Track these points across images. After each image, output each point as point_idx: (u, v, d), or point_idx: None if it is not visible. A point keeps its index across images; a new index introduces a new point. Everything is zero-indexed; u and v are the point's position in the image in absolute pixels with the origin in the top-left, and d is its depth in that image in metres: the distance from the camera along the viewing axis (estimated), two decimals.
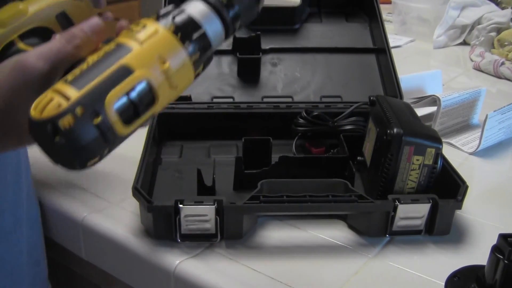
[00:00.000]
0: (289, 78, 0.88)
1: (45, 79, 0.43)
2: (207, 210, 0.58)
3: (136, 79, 0.41)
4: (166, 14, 0.45)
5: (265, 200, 0.59)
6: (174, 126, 0.80)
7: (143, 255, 0.59)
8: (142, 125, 0.43)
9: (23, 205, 0.67)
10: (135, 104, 0.41)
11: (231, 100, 0.85)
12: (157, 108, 0.43)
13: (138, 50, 0.42)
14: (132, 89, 0.40)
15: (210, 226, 0.59)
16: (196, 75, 0.46)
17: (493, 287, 0.49)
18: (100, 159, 0.42)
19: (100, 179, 0.72)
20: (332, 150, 0.76)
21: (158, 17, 0.44)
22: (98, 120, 0.39)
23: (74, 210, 0.67)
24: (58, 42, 0.44)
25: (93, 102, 0.39)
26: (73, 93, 0.39)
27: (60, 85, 0.40)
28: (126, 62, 0.41)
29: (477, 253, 0.59)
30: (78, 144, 0.39)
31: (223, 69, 0.88)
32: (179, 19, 0.44)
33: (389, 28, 1.25)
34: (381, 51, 0.90)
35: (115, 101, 0.40)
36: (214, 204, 0.57)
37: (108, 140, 0.40)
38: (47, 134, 0.39)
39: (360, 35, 0.94)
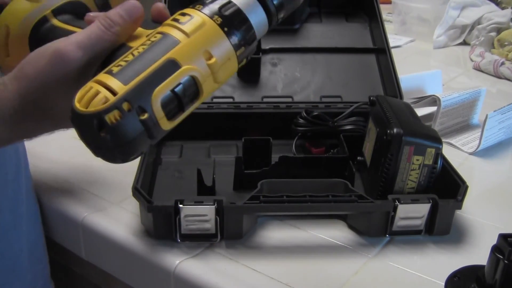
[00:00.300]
0: (289, 78, 0.88)
1: (84, 68, 0.43)
2: (207, 210, 0.58)
3: (183, 73, 0.40)
4: (211, 3, 0.43)
5: (265, 200, 0.59)
6: (174, 126, 0.80)
7: (143, 255, 0.59)
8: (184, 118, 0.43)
9: (23, 203, 0.67)
10: (180, 99, 0.40)
11: (231, 100, 0.85)
12: (201, 100, 0.42)
13: (185, 43, 0.41)
14: (178, 84, 0.40)
15: (210, 226, 0.59)
16: (240, 67, 0.45)
17: (493, 287, 0.49)
18: (141, 154, 0.41)
19: (100, 179, 0.72)
20: (332, 150, 0.76)
21: (203, 6, 0.43)
22: (144, 116, 0.38)
23: (74, 210, 0.67)
24: (97, 29, 0.43)
25: (140, 98, 0.38)
26: (120, 87, 0.38)
27: (105, 77, 0.39)
28: (173, 56, 0.40)
29: (477, 253, 0.59)
30: (123, 140, 0.38)
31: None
32: (226, 10, 0.43)
33: (389, 28, 1.25)
34: (381, 51, 0.90)
35: (161, 96, 0.39)
36: (214, 204, 0.57)
37: (153, 135, 0.39)
38: (93, 128, 0.38)
39: (360, 35, 0.94)
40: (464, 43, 1.39)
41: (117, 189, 0.70)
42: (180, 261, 0.57)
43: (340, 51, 0.92)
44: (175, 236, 0.59)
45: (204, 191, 0.65)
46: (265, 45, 0.89)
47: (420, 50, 1.36)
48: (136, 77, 0.39)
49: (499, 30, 1.32)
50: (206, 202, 0.58)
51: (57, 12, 0.51)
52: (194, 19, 0.42)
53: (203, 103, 0.82)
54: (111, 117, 0.38)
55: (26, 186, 0.68)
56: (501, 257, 0.47)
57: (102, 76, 0.39)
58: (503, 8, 1.41)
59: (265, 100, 0.85)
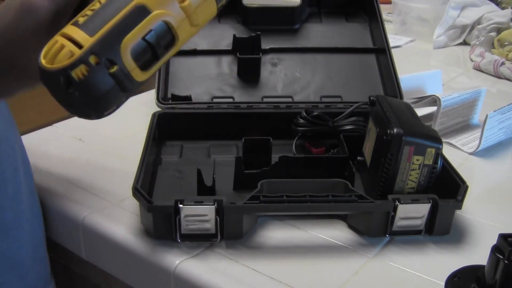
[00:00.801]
0: (289, 78, 0.88)
1: (53, 19, 0.41)
2: (207, 210, 0.58)
3: (154, 19, 0.37)
4: None
5: (265, 200, 0.59)
6: (174, 126, 0.80)
7: (143, 255, 0.59)
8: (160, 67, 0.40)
9: (23, 201, 0.67)
10: (153, 48, 0.38)
11: (231, 100, 0.85)
12: (178, 46, 0.39)
13: None
14: (150, 31, 0.37)
15: (210, 226, 0.59)
16: (219, 8, 0.42)
17: (493, 287, 0.49)
18: (118, 107, 0.39)
19: (100, 179, 0.72)
20: (332, 150, 0.76)
21: None
22: (114, 69, 0.36)
23: (74, 210, 0.67)
24: None
25: (108, 50, 0.36)
26: (86, 40, 0.36)
27: (71, 29, 0.37)
28: (142, 1, 0.37)
29: (477, 253, 0.59)
30: (93, 96, 0.36)
31: (223, 69, 0.88)
32: None
33: (389, 28, 1.25)
34: (381, 51, 0.90)
35: (131, 46, 0.37)
36: (214, 204, 0.57)
37: (126, 88, 0.37)
38: (60, 85, 0.36)
39: (360, 35, 0.94)
40: (464, 43, 1.39)
41: (117, 189, 0.70)
42: (180, 261, 0.57)
43: (340, 51, 0.92)
44: (175, 236, 0.59)
45: (204, 191, 0.65)
46: (265, 45, 0.89)
47: (420, 50, 1.36)
48: (102, 27, 0.36)
49: (499, 30, 1.32)
50: (206, 202, 0.58)
51: None
52: None
53: (203, 103, 0.83)
54: (78, 72, 0.36)
55: (26, 184, 0.68)
56: (501, 257, 0.47)
57: (68, 28, 0.37)
58: (503, 8, 1.41)
59: (265, 100, 0.85)
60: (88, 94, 0.36)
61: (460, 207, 0.61)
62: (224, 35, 0.91)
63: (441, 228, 0.62)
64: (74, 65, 0.36)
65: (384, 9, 0.98)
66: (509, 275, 0.47)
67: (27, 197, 0.68)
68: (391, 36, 1.01)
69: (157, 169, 0.73)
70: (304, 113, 0.78)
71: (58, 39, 0.37)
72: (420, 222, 0.61)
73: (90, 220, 0.65)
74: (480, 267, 0.51)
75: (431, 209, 0.60)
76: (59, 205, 0.69)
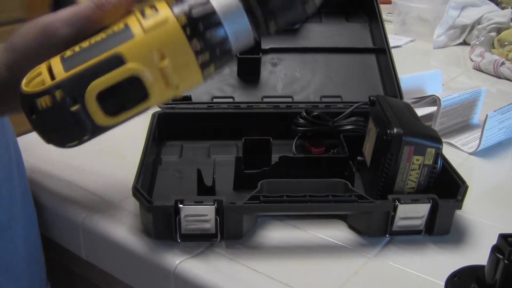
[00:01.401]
0: (289, 78, 0.88)
1: (71, 43, 0.42)
2: (207, 210, 0.58)
3: (127, 72, 0.38)
4: (185, 1, 0.39)
5: (265, 200, 0.59)
6: (174, 126, 0.80)
7: (143, 255, 0.59)
8: (134, 117, 0.41)
9: (18, 203, 0.67)
10: (121, 98, 0.38)
11: (231, 100, 0.85)
12: (151, 103, 0.40)
13: (139, 39, 0.38)
14: (121, 81, 0.38)
15: (210, 226, 0.59)
16: (207, 76, 0.41)
17: (493, 287, 0.49)
18: (80, 143, 0.40)
19: (100, 179, 0.72)
20: (332, 150, 0.76)
21: (176, 1, 0.40)
22: (75, 107, 0.37)
23: (74, 210, 0.67)
24: (87, 8, 0.42)
25: (74, 89, 0.37)
26: (59, 73, 0.38)
27: (55, 60, 0.39)
28: (120, 51, 0.38)
29: (477, 253, 0.59)
30: (51, 127, 0.38)
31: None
32: (195, 10, 0.39)
33: (389, 28, 1.25)
34: (381, 51, 0.90)
35: (98, 91, 0.37)
36: (214, 204, 0.57)
37: (85, 128, 0.38)
38: (26, 109, 0.38)
39: (360, 35, 0.94)
40: (464, 43, 1.39)
41: (117, 189, 0.70)
42: (180, 261, 0.57)
43: (340, 51, 0.91)
44: (175, 236, 0.59)
45: (204, 191, 0.65)
46: (265, 45, 0.89)
47: (420, 50, 1.36)
48: (78, 66, 0.38)
49: (499, 30, 1.32)
50: (206, 202, 0.58)
51: None
52: (159, 14, 0.39)
53: (203, 103, 0.83)
54: (42, 102, 0.37)
55: (21, 187, 0.68)
56: (501, 257, 0.47)
57: (54, 59, 0.39)
58: (503, 8, 1.41)
59: (265, 100, 0.85)
60: (47, 124, 0.38)
61: (460, 207, 0.61)
62: None
63: (441, 228, 0.62)
64: (40, 94, 0.37)
65: (384, 9, 0.98)
66: (509, 275, 0.47)
67: (21, 199, 0.68)
68: (391, 36, 1.01)
69: (157, 169, 0.73)
70: (304, 113, 0.78)
71: (41, 66, 0.39)
72: (420, 222, 0.61)
73: (90, 220, 0.65)
74: (480, 267, 0.51)
75: (431, 209, 0.60)
76: (59, 205, 0.68)
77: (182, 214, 0.57)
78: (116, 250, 0.62)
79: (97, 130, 0.40)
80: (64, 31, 0.42)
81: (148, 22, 0.39)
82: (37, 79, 0.38)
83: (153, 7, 0.40)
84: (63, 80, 0.38)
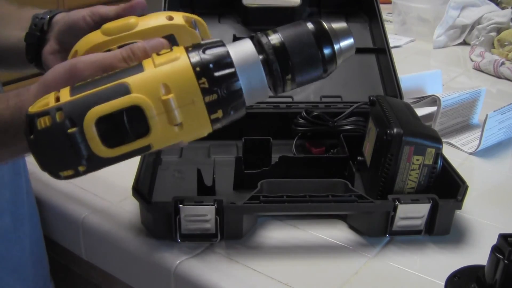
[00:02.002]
0: None
1: None
2: (207, 210, 0.58)
3: (129, 100, 0.37)
4: (202, 45, 0.39)
5: (265, 200, 0.59)
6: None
7: (143, 255, 0.59)
8: (135, 156, 0.40)
9: (24, 204, 0.67)
10: (120, 128, 0.38)
11: None
12: (152, 140, 0.38)
13: (147, 72, 0.38)
14: (122, 110, 0.37)
15: (210, 226, 0.59)
16: (215, 122, 0.40)
17: (493, 287, 0.49)
18: (76, 174, 0.40)
19: (100, 179, 0.72)
20: (332, 150, 0.76)
21: (193, 47, 0.39)
22: (72, 130, 0.37)
23: (74, 210, 0.67)
24: (114, 57, 0.43)
25: (74, 111, 0.37)
26: (65, 97, 0.38)
27: (65, 89, 0.39)
28: (127, 81, 0.38)
29: (477, 253, 0.59)
30: (47, 149, 0.37)
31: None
32: (209, 52, 0.38)
33: (389, 28, 1.25)
34: (381, 51, 0.90)
35: (98, 116, 0.37)
36: (214, 204, 0.57)
37: (81, 155, 0.38)
38: (27, 129, 0.38)
39: (360, 35, 0.94)
40: (464, 43, 1.39)
41: (117, 189, 0.70)
42: (180, 261, 0.57)
43: None
44: (175, 236, 0.59)
45: (204, 191, 0.65)
46: None
47: (420, 50, 1.36)
48: (83, 93, 0.38)
49: (499, 30, 1.32)
50: (206, 202, 0.58)
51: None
52: (172, 53, 0.39)
53: None
54: (42, 121, 0.37)
55: (26, 188, 0.69)
56: (501, 257, 0.47)
57: (65, 88, 0.40)
58: (503, 8, 1.41)
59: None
60: (43, 145, 0.38)
61: (460, 207, 0.61)
62: (224, 35, 0.90)
63: (441, 228, 0.62)
64: (41, 114, 0.37)
65: (384, 9, 0.98)
66: (509, 275, 0.47)
67: (27, 200, 0.68)
68: (391, 36, 1.01)
69: (157, 169, 0.73)
70: (304, 113, 0.78)
71: (52, 93, 0.39)
72: (420, 222, 0.61)
73: (90, 220, 0.65)
74: (480, 267, 0.51)
75: (431, 209, 0.60)
76: (59, 205, 0.69)
77: (182, 214, 0.57)
78: (116, 250, 0.62)
79: (93, 160, 0.39)
80: (86, 73, 0.43)
81: (160, 59, 0.39)
82: (43, 101, 0.39)
83: (170, 49, 0.40)
84: (66, 102, 0.38)
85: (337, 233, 0.63)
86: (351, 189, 0.63)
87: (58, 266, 0.75)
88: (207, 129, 0.41)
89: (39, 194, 0.71)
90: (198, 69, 0.38)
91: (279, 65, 0.39)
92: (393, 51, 0.87)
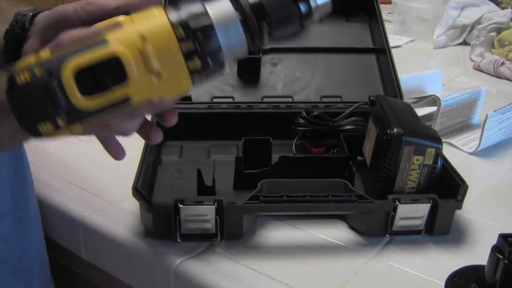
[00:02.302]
0: (289, 78, 0.88)
1: None
2: (207, 210, 0.58)
3: (107, 51, 0.38)
4: (179, 2, 0.40)
5: (265, 200, 0.59)
6: (174, 126, 0.80)
7: (143, 255, 0.59)
8: (116, 112, 0.40)
9: (28, 207, 0.67)
10: (98, 77, 0.38)
11: (231, 100, 0.84)
12: (130, 90, 0.39)
13: (125, 28, 0.39)
14: (100, 60, 0.38)
15: (210, 226, 0.59)
16: (194, 73, 0.40)
17: (493, 287, 0.49)
18: (56, 128, 0.39)
19: (100, 179, 0.72)
20: (332, 150, 0.76)
21: (171, 4, 0.40)
22: (51, 82, 0.38)
23: (74, 210, 0.67)
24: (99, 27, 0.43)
25: (53, 65, 0.38)
26: (45, 55, 0.39)
27: (47, 49, 0.40)
28: (105, 37, 0.39)
29: (477, 253, 0.59)
30: (26, 102, 0.38)
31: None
32: (185, 7, 0.40)
33: (389, 28, 1.25)
34: (381, 51, 0.90)
35: (75, 66, 0.38)
36: (214, 204, 0.57)
37: (59, 106, 0.38)
38: (8, 86, 0.39)
39: (360, 35, 0.94)
40: (464, 43, 1.39)
41: (117, 189, 0.70)
42: (180, 261, 0.57)
43: (340, 51, 0.91)
44: (175, 236, 0.59)
45: (204, 191, 0.65)
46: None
47: (420, 50, 1.36)
48: (64, 50, 0.39)
49: (499, 30, 1.32)
50: (206, 202, 0.58)
51: None
52: (150, 9, 0.40)
53: (203, 103, 0.83)
54: (22, 77, 0.38)
55: (31, 191, 0.68)
56: (501, 257, 0.47)
57: (47, 48, 0.41)
58: (503, 8, 1.41)
59: (265, 100, 0.85)
60: (22, 100, 0.38)
61: (460, 207, 0.61)
62: None
63: (441, 228, 0.62)
64: (20, 71, 0.38)
65: (384, 9, 0.98)
66: (509, 275, 0.47)
67: (32, 201, 0.68)
68: (391, 36, 1.01)
69: (157, 169, 0.73)
70: (304, 113, 0.78)
71: (33, 54, 0.40)
72: (420, 222, 0.61)
73: (90, 220, 0.65)
74: (480, 267, 0.51)
75: (431, 209, 0.60)
76: (59, 205, 0.68)
77: (182, 214, 0.57)
78: (116, 250, 0.62)
79: (72, 112, 0.39)
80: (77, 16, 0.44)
81: (137, 15, 0.40)
82: (23, 61, 0.39)
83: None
84: (46, 59, 0.39)
85: (337, 233, 0.63)
86: (351, 189, 0.63)
87: (58, 266, 0.75)
88: (187, 82, 0.41)
89: (39, 194, 0.71)
90: (174, 21, 0.39)
91: (257, 21, 0.40)
92: (393, 51, 0.87)
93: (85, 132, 0.42)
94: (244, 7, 0.40)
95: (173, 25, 0.39)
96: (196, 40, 0.39)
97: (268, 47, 0.89)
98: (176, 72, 0.40)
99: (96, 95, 0.39)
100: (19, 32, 0.55)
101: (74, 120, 0.39)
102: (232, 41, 0.40)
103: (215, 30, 0.40)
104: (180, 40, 0.39)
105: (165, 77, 0.40)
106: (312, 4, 0.42)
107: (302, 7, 0.41)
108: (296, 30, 0.43)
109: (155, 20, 0.40)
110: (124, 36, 0.39)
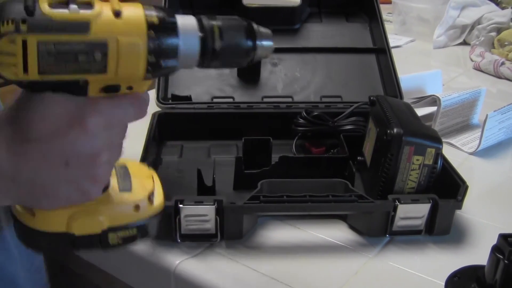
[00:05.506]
0: (289, 78, 0.88)
1: None
2: (207, 210, 0.58)
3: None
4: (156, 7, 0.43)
5: (265, 200, 0.59)
6: (174, 126, 0.80)
7: (143, 255, 0.59)
8: (72, 39, 0.39)
9: None
10: None
11: (231, 100, 0.85)
12: (91, 17, 0.39)
13: None
14: None
15: (210, 226, 0.59)
16: (150, 40, 0.41)
17: (493, 287, 0.49)
18: (16, 30, 0.37)
19: None
20: (332, 150, 0.76)
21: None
22: None
23: None
24: None
25: None
26: None
27: None
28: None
29: (477, 253, 0.59)
30: None
31: (223, 69, 0.88)
32: (159, 10, 0.42)
33: (389, 28, 1.25)
34: (381, 51, 0.90)
35: None
36: (214, 204, 0.57)
37: (27, 5, 0.38)
38: None
39: (360, 35, 0.95)
40: (464, 43, 1.39)
41: None
42: (180, 261, 0.57)
43: (340, 51, 0.92)
44: (175, 236, 0.59)
45: (204, 191, 0.65)
46: None
47: (420, 50, 1.36)
48: None
49: (499, 30, 1.32)
50: (206, 202, 0.58)
51: None
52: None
53: (203, 103, 0.83)
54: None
55: None
56: (501, 257, 0.47)
57: None
58: (503, 8, 1.41)
59: (265, 100, 0.85)
60: None
61: (460, 207, 0.61)
62: None
63: (441, 228, 0.62)
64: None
65: (384, 9, 0.98)
66: (509, 275, 0.47)
67: None
68: (391, 36, 1.01)
69: (157, 169, 0.73)
70: (304, 113, 0.78)
71: None
72: (420, 222, 0.61)
73: None
74: (480, 267, 0.51)
75: (431, 209, 0.60)
76: None
77: (182, 214, 0.57)
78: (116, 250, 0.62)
79: (35, 17, 0.38)
80: None
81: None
82: None
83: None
84: None
85: (337, 233, 0.63)
86: (351, 189, 0.63)
87: (58, 266, 0.75)
88: (142, 38, 0.41)
89: None
90: (149, 13, 0.41)
91: (212, 44, 0.44)
92: (393, 51, 0.87)
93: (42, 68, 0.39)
94: (205, 27, 0.44)
95: (147, 15, 0.41)
96: (160, 35, 0.41)
97: None
98: (135, 26, 0.41)
99: (61, 9, 0.39)
100: None
101: (35, 27, 0.38)
102: (187, 51, 0.43)
103: (178, 32, 0.42)
104: (149, 26, 0.41)
105: (125, 20, 0.40)
106: (258, 43, 0.46)
107: (249, 43, 0.46)
108: (239, 61, 0.47)
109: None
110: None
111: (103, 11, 0.40)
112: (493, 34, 1.31)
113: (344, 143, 0.73)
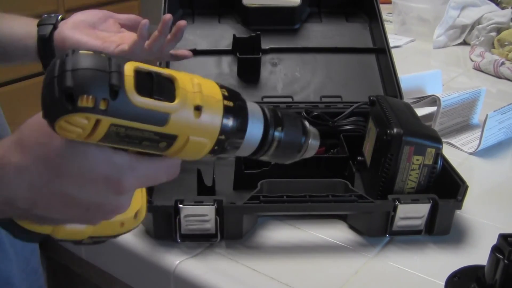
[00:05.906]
0: (289, 78, 0.88)
1: None
2: (207, 210, 0.58)
3: (166, 71, 0.39)
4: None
5: (265, 200, 0.59)
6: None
7: (143, 255, 0.59)
8: (149, 124, 0.37)
9: None
10: (153, 82, 0.38)
11: None
12: (173, 110, 0.38)
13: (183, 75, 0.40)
14: (158, 72, 0.38)
15: (210, 226, 0.59)
16: (224, 128, 0.40)
17: (493, 287, 0.49)
18: (95, 110, 0.35)
19: None
20: (332, 150, 0.76)
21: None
22: (111, 63, 0.36)
23: None
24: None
25: (118, 58, 0.37)
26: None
27: None
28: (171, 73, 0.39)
29: (477, 253, 0.59)
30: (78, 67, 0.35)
31: (223, 69, 0.88)
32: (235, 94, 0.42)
33: (389, 28, 1.25)
34: (381, 51, 0.90)
35: (136, 66, 0.37)
36: (214, 204, 0.57)
37: (111, 83, 0.35)
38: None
39: (360, 35, 0.94)
40: (464, 43, 1.39)
41: None
42: (180, 261, 0.57)
43: (340, 51, 0.91)
44: (175, 236, 0.59)
45: (204, 191, 0.65)
46: (265, 45, 0.89)
47: (420, 50, 1.36)
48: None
49: (499, 30, 1.32)
50: (206, 202, 0.58)
51: None
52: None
53: None
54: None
55: None
56: (501, 257, 0.47)
57: None
58: (503, 8, 1.41)
59: (265, 100, 0.85)
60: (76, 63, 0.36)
61: (460, 207, 0.61)
62: (224, 35, 0.90)
63: (441, 228, 0.62)
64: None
65: (384, 9, 0.98)
66: (509, 275, 0.47)
67: None
68: (391, 36, 1.01)
69: None
70: (304, 113, 0.78)
71: None
72: (420, 222, 0.61)
73: None
74: (480, 267, 0.51)
75: (431, 209, 0.60)
76: None
77: (182, 214, 0.57)
78: (116, 250, 0.62)
79: (118, 99, 0.36)
80: None
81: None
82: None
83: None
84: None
85: (337, 233, 0.63)
86: (351, 189, 0.63)
87: (58, 266, 0.75)
88: (211, 141, 0.40)
89: None
90: (225, 94, 0.41)
91: (274, 131, 0.44)
92: (393, 51, 0.87)
93: (105, 139, 0.37)
94: (267, 116, 0.44)
95: (223, 95, 0.41)
96: (234, 115, 0.41)
97: (268, 47, 0.89)
98: (212, 114, 0.40)
99: (146, 97, 0.37)
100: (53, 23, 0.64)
101: (115, 111, 0.36)
102: (250, 139, 0.43)
103: (248, 116, 0.42)
104: (224, 97, 0.40)
105: (204, 116, 0.39)
106: (309, 141, 0.47)
107: (303, 139, 0.47)
108: (291, 160, 0.47)
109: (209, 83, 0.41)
110: (183, 75, 0.40)
111: (187, 102, 0.38)
112: (493, 34, 1.31)
113: (344, 143, 0.73)
